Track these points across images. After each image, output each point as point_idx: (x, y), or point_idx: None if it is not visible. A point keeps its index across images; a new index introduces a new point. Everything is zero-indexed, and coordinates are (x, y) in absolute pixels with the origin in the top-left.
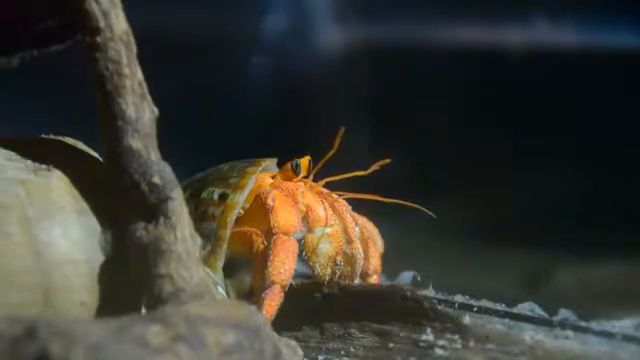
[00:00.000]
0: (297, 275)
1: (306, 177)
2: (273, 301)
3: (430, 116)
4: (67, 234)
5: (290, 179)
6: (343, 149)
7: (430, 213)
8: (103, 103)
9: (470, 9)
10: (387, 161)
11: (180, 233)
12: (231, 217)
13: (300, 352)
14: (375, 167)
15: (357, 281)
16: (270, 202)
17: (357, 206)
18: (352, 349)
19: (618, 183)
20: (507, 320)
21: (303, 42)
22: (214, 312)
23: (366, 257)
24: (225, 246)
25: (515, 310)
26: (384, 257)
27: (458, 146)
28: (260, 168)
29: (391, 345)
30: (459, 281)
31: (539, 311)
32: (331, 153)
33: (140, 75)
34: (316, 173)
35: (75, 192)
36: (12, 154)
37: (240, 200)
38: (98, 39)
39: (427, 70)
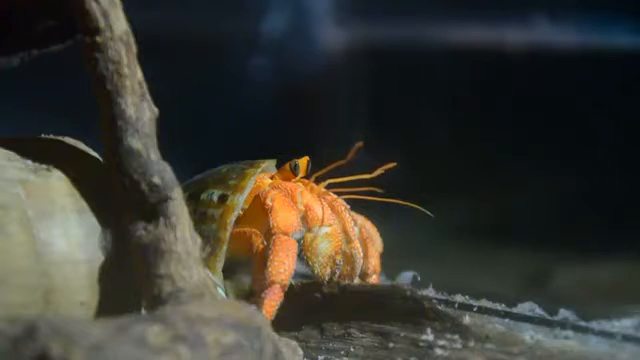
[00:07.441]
0: (297, 275)
1: (305, 177)
2: (273, 301)
3: (430, 116)
4: (67, 234)
5: (289, 179)
6: (343, 149)
7: (430, 213)
8: (103, 103)
9: (470, 9)
10: (393, 165)
11: (180, 233)
12: (231, 219)
13: (300, 352)
14: (380, 171)
15: (357, 281)
16: (269, 202)
17: (356, 206)
18: (352, 349)
19: (618, 183)
20: (507, 320)
21: (303, 42)
22: (214, 312)
23: (365, 257)
24: (225, 247)
25: (515, 310)
26: (384, 257)
27: (458, 146)
28: (259, 170)
29: (391, 345)
30: (459, 281)
31: (539, 311)
32: (341, 163)
33: (140, 75)
34: (319, 177)
35: (75, 192)
36: (12, 154)
37: (240, 202)
38: (98, 39)
39: (427, 70)
